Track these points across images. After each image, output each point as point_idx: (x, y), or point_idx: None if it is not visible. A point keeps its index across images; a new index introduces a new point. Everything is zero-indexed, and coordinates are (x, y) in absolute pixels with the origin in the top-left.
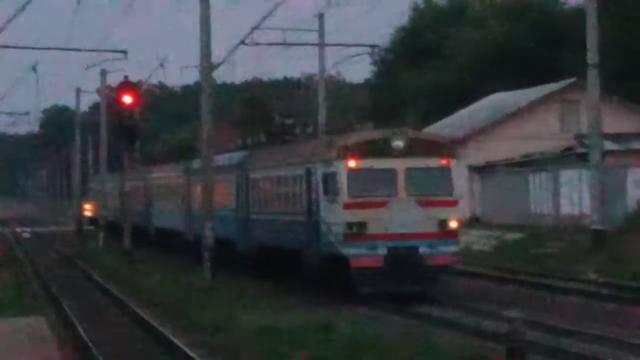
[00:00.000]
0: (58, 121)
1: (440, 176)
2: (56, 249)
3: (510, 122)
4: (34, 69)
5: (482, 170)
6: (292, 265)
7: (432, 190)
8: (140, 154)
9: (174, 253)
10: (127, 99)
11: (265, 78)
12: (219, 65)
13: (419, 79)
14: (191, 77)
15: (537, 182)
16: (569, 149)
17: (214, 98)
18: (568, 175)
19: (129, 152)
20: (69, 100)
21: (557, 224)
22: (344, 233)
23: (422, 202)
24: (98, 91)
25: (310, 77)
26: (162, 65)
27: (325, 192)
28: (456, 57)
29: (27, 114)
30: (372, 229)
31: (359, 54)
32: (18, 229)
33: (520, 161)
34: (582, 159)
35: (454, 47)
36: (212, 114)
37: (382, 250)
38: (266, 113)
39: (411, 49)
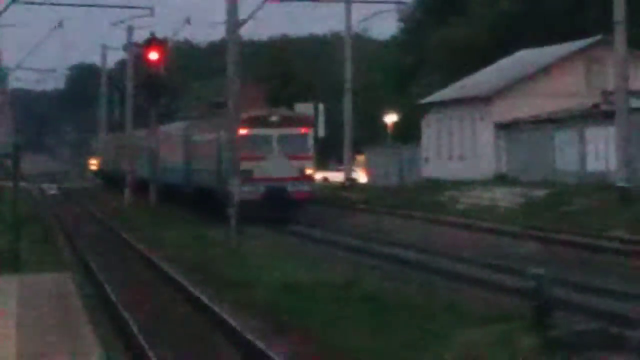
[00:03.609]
0: (84, 78)
1: (300, 140)
2: (83, 206)
3: (536, 79)
4: (60, 25)
5: (508, 128)
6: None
7: (294, 149)
8: (166, 110)
9: (180, 205)
10: (153, 56)
11: (291, 35)
12: (245, 22)
13: (445, 36)
14: (218, 34)
15: (563, 139)
16: (595, 106)
17: (240, 55)
18: (594, 133)
19: (155, 108)
20: (95, 58)
21: (583, 181)
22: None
23: (289, 156)
24: (124, 48)
25: (336, 35)
26: (188, 22)
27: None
28: (483, 14)
29: (53, 70)
30: (256, 174)
31: (385, 11)
32: (44, 186)
33: (547, 119)
34: (608, 116)
35: (481, 3)
36: (238, 71)
37: (262, 189)
38: (291, 71)
39: (438, 6)
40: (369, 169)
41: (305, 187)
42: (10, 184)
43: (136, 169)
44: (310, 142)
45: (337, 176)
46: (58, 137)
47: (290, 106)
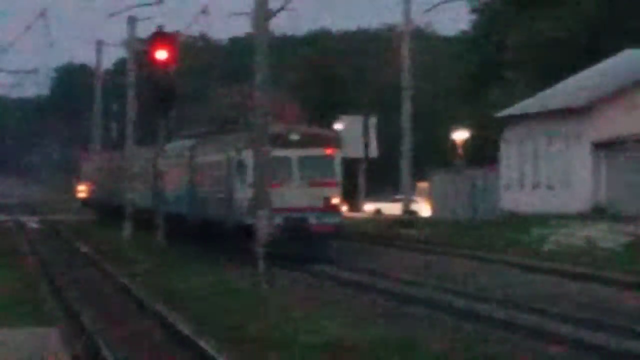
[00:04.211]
0: (74, 82)
1: (325, 163)
2: (71, 243)
3: None
4: (43, 15)
5: (610, 148)
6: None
7: (318, 173)
8: (176, 123)
9: (187, 241)
10: (161, 55)
11: (335, 29)
12: (276, 12)
13: (530, 32)
14: (241, 27)
15: None
16: None
17: (270, 55)
18: None
19: (163, 121)
20: (87, 57)
21: None
22: (250, 207)
23: (311, 182)
24: (125, 44)
25: (392, 29)
26: (204, 11)
27: (238, 175)
28: (579, 4)
29: (34, 72)
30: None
31: (453, 0)
32: (23, 218)
33: None
34: None
35: None
36: (267, 75)
37: (278, 221)
38: (333, 75)
39: None
40: (433, 199)
41: (330, 220)
42: None
43: (135, 197)
44: (337, 165)
45: (392, 208)
46: (40, 156)
47: (333, 119)
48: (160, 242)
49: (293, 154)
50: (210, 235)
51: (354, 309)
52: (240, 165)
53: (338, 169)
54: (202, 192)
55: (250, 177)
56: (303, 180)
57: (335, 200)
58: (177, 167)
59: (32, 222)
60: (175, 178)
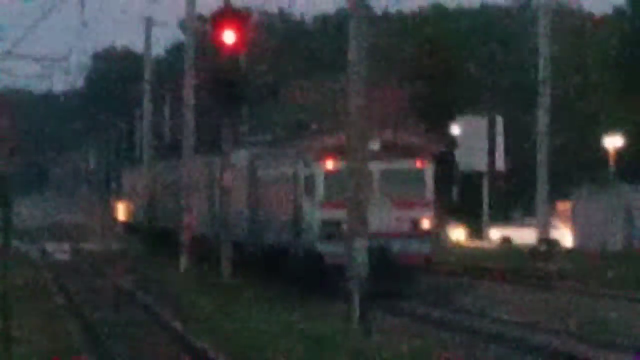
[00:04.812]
0: (114, 72)
1: (414, 178)
2: (110, 279)
3: None
4: None
5: None
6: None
7: (405, 191)
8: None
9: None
10: (229, 37)
11: (450, 5)
12: None
13: None
14: (330, 2)
15: None
16: None
17: (368, 38)
18: None
19: (231, 121)
20: (132, 40)
21: None
22: (320, 231)
23: (396, 202)
24: (181, 25)
25: (525, 4)
26: None
27: (304, 192)
28: None
29: (65, 59)
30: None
31: None
32: (49, 247)
33: None
34: None
35: None
36: (364, 64)
37: None
38: (450, 64)
39: None
40: (576, 223)
41: (420, 247)
42: None
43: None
44: (429, 181)
45: (525, 235)
46: (71, 167)
47: (448, 120)
48: (226, 278)
49: (374, 167)
50: (273, 264)
51: None
52: (310, 180)
53: (430, 185)
54: (263, 213)
55: (320, 194)
56: (386, 198)
57: (426, 224)
58: (235, 183)
59: (61, 253)
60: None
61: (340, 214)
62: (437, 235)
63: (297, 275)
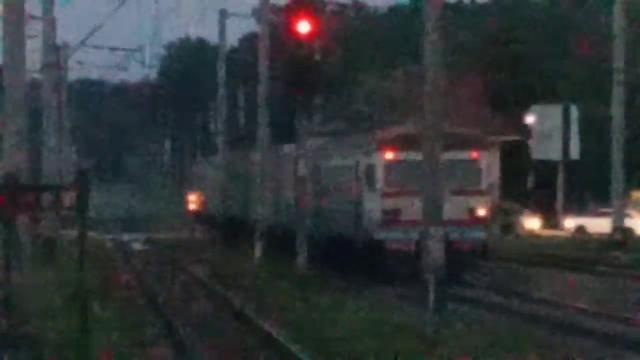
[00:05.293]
0: (189, 63)
1: (470, 168)
2: (186, 270)
3: None
4: None
5: None
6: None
7: (462, 180)
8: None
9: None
10: (303, 27)
11: None
12: None
13: None
14: None
15: None
16: None
17: (445, 27)
18: None
19: (306, 111)
20: (206, 31)
21: None
22: (380, 219)
23: (453, 191)
24: (255, 15)
25: None
26: None
27: (367, 182)
28: None
29: (139, 50)
30: (406, 215)
31: None
32: (125, 236)
33: None
34: None
35: None
36: (440, 53)
37: (414, 236)
38: (524, 54)
39: None
40: None
41: (476, 235)
42: (72, 233)
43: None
44: (484, 170)
45: (599, 224)
46: (147, 158)
47: (523, 108)
48: (302, 268)
49: None
50: (335, 254)
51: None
52: (370, 170)
53: (485, 174)
54: (326, 203)
55: (381, 184)
56: (444, 188)
57: (482, 212)
58: (292, 174)
59: (137, 243)
60: (288, 187)
61: (399, 202)
62: (511, 225)
63: (361, 263)
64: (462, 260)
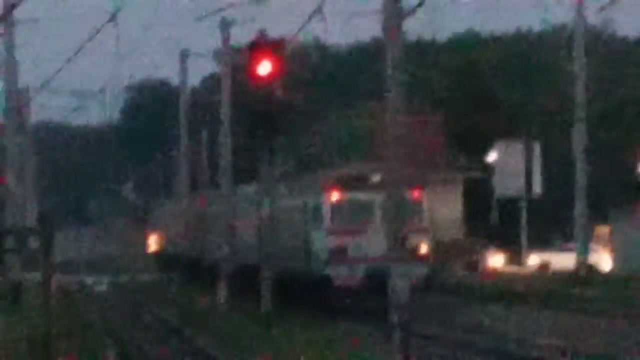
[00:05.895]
0: (150, 104)
1: (411, 207)
2: (151, 312)
3: None
4: (113, 19)
5: None
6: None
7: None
8: (286, 156)
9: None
10: (264, 68)
11: (483, 31)
12: (413, 10)
13: None
14: (365, 31)
15: None
16: None
17: (405, 65)
18: None
19: (269, 154)
20: (167, 73)
21: None
22: (327, 256)
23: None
24: (216, 55)
25: (558, 30)
26: (319, 11)
27: (312, 220)
28: None
29: (101, 92)
30: (352, 252)
31: None
32: (88, 279)
33: None
34: None
35: None
36: (402, 90)
37: (360, 272)
38: (486, 90)
39: None
40: (615, 247)
41: (420, 271)
42: (35, 276)
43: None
44: (425, 209)
45: (563, 260)
46: (109, 201)
47: (485, 145)
48: (266, 308)
49: (375, 197)
50: (284, 288)
51: None
52: (317, 210)
53: (427, 213)
54: (277, 241)
55: (327, 223)
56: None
57: (424, 249)
58: (247, 216)
59: (101, 285)
60: (247, 225)
61: (345, 240)
62: (474, 262)
63: (312, 299)
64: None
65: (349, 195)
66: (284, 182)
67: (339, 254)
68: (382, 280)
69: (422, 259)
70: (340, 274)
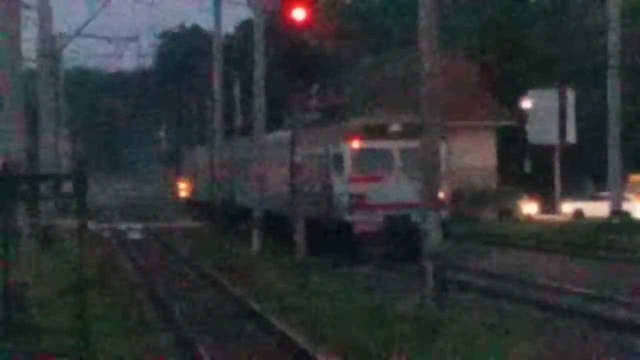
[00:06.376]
0: (184, 51)
1: None
2: (186, 261)
3: None
4: None
5: None
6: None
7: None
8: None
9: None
10: (299, 14)
11: None
12: None
13: None
14: None
15: None
16: None
17: (439, 11)
18: None
19: (302, 99)
20: (201, 19)
21: None
22: (348, 203)
23: (413, 177)
24: (250, 2)
25: None
26: None
27: (334, 168)
28: None
29: (135, 39)
30: (371, 199)
31: None
32: (122, 225)
33: None
34: None
35: None
36: (435, 36)
37: (379, 218)
38: (521, 38)
39: None
40: None
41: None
42: (70, 222)
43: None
44: (443, 157)
45: (597, 208)
46: (144, 146)
47: (520, 93)
48: (300, 256)
49: (394, 145)
50: (312, 236)
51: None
52: (338, 158)
53: (444, 160)
54: (302, 188)
55: (349, 170)
56: (405, 174)
57: (441, 195)
58: (274, 161)
59: (134, 232)
60: (277, 172)
61: (365, 187)
62: (508, 210)
63: (334, 244)
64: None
65: (369, 144)
66: (312, 131)
67: (359, 201)
68: (401, 226)
69: (440, 204)
70: (360, 220)
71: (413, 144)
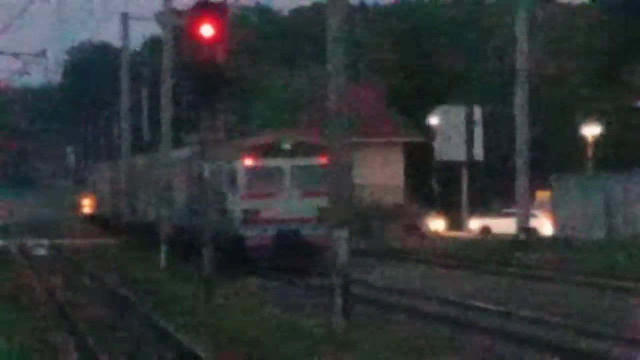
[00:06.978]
0: (92, 67)
1: (320, 172)
2: (93, 277)
3: None
4: None
5: None
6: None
7: (313, 183)
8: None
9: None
10: (207, 31)
11: None
12: None
13: None
14: None
15: None
16: None
17: (348, 29)
18: None
19: (210, 116)
20: (109, 35)
21: None
22: (242, 218)
23: (305, 193)
24: (158, 18)
25: None
26: None
27: (229, 185)
28: None
29: (42, 54)
30: (264, 214)
31: None
32: (29, 242)
33: None
34: None
35: None
36: (344, 56)
37: (271, 232)
38: (428, 55)
39: None
40: (555, 213)
41: (325, 231)
42: None
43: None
44: None
45: (504, 225)
46: (50, 163)
47: (427, 110)
48: (206, 271)
49: (285, 163)
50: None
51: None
52: (233, 175)
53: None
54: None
55: (242, 187)
56: (296, 190)
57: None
58: (183, 177)
59: (41, 248)
60: (181, 188)
61: (258, 203)
62: (415, 226)
63: (229, 257)
64: (312, 252)
65: (261, 162)
66: (212, 148)
67: (251, 216)
68: (292, 240)
69: None
70: (252, 235)
71: (303, 161)
